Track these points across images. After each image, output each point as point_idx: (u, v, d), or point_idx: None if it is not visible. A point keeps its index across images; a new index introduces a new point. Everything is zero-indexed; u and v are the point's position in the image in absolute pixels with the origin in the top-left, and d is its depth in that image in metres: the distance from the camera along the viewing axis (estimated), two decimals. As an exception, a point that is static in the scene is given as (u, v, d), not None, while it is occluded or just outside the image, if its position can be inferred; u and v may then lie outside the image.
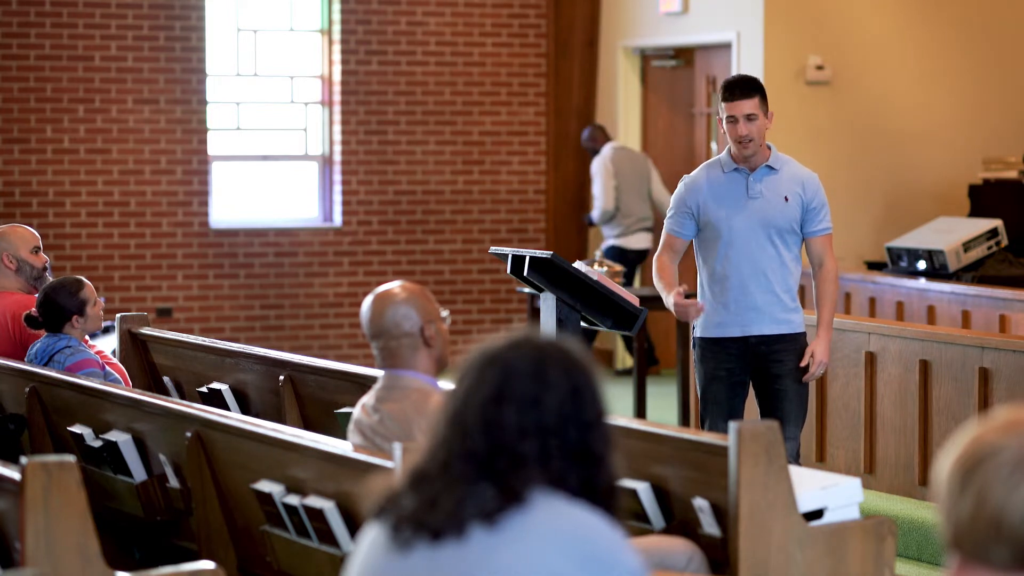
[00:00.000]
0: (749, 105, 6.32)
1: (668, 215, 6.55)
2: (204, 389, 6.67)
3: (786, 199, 6.36)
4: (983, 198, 11.25)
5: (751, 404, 6.56)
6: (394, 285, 4.62)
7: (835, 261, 6.47)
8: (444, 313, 4.63)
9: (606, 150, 12.11)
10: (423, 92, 12.89)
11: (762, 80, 11.39)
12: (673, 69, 12.73)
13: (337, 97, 12.71)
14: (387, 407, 4.55)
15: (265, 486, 4.86)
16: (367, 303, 4.59)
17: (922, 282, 10.09)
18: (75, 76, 12.04)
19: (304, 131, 12.86)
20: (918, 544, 7.00)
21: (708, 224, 6.41)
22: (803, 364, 6.36)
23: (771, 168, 6.40)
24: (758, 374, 6.42)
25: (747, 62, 11.64)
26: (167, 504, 5.55)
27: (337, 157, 12.75)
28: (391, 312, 4.53)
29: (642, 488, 4.61)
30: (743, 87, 6.36)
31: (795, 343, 6.40)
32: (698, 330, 6.49)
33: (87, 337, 6.71)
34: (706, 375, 6.44)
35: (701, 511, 4.49)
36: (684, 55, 12.62)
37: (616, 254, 11.89)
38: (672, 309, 6.35)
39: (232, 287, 12.50)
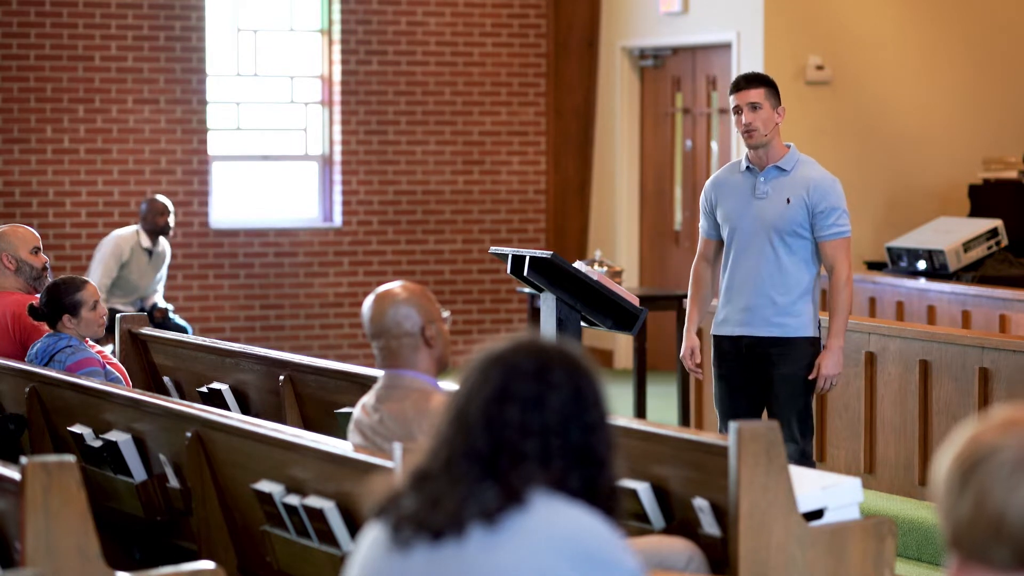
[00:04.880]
0: (754, 94, 6.37)
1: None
2: (204, 389, 6.67)
3: (788, 201, 6.35)
4: (983, 198, 11.25)
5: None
6: (395, 285, 4.62)
7: (847, 267, 6.35)
8: (445, 314, 4.63)
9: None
10: (423, 92, 12.90)
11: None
12: (654, 69, 12.74)
13: (337, 97, 12.72)
14: (387, 407, 4.55)
15: (265, 486, 4.86)
16: (368, 303, 4.59)
17: (922, 282, 10.09)
18: (75, 76, 12.04)
19: (304, 131, 12.86)
20: (918, 544, 7.00)
21: (721, 223, 6.47)
22: (811, 377, 6.33)
23: (781, 169, 6.38)
24: (754, 377, 6.41)
25: (747, 62, 11.64)
26: (167, 504, 5.55)
27: (337, 157, 12.76)
28: (392, 312, 4.53)
29: (642, 488, 4.61)
30: (749, 77, 6.44)
31: (789, 347, 6.33)
32: (711, 327, 6.58)
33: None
34: (713, 374, 6.49)
35: (701, 511, 4.49)
36: (661, 56, 12.64)
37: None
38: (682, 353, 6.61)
39: (232, 287, 12.50)
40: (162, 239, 10.94)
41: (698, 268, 6.63)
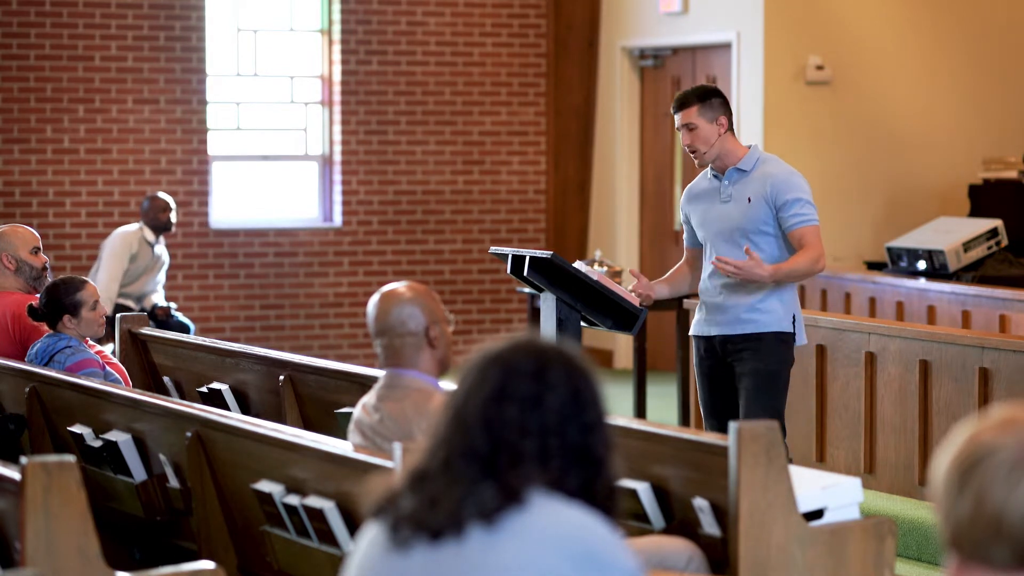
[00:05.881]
0: (686, 115, 6.40)
1: None
2: (204, 389, 6.68)
3: (749, 200, 6.38)
4: (983, 198, 11.25)
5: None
6: (401, 285, 4.63)
7: (819, 248, 6.32)
8: (450, 317, 4.63)
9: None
10: (423, 92, 12.90)
11: (761, 80, 11.48)
12: (654, 69, 12.75)
13: (337, 97, 12.72)
14: (387, 406, 4.55)
15: (265, 486, 4.86)
16: (373, 301, 4.59)
17: (922, 282, 10.08)
18: (75, 76, 12.04)
19: (304, 131, 12.86)
20: (918, 544, 7.00)
21: (697, 230, 6.59)
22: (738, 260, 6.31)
23: (741, 170, 6.42)
24: (731, 375, 6.44)
25: (747, 62, 11.64)
26: (167, 504, 5.55)
27: (337, 157, 12.76)
28: (397, 311, 4.53)
29: (642, 488, 4.61)
30: (681, 97, 6.46)
31: (759, 342, 6.35)
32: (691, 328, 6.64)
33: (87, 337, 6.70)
34: (696, 373, 6.56)
35: (701, 511, 4.49)
36: (661, 56, 12.64)
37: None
38: None
39: (232, 287, 12.50)
40: (161, 242, 10.96)
41: (681, 266, 6.72)
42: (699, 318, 6.55)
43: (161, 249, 10.97)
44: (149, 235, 10.87)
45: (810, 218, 6.35)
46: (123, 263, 10.79)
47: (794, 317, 6.43)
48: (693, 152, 6.43)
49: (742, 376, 6.38)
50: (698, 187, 6.59)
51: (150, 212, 10.88)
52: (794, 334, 6.42)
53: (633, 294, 6.60)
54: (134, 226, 10.95)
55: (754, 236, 6.37)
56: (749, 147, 6.48)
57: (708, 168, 6.54)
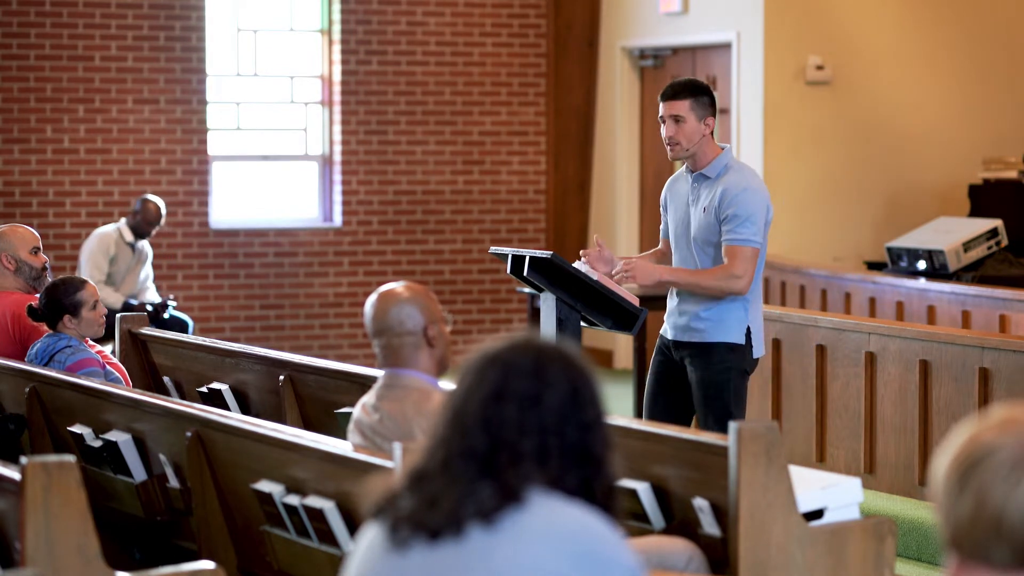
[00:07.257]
0: (677, 107, 6.23)
1: None
2: (204, 389, 6.68)
3: (704, 210, 6.28)
4: (983, 198, 11.25)
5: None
6: (398, 285, 4.63)
7: (735, 267, 6.14)
8: (448, 317, 4.64)
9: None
10: (423, 92, 12.90)
11: (761, 80, 11.48)
12: (654, 69, 12.75)
13: (337, 97, 12.72)
14: (386, 406, 4.55)
15: (265, 486, 4.86)
16: (371, 301, 4.60)
17: (922, 282, 10.08)
18: (75, 76, 12.04)
19: (304, 131, 12.87)
20: (918, 544, 7.00)
21: (669, 227, 6.51)
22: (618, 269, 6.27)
23: (705, 176, 6.30)
24: (676, 381, 6.39)
25: (747, 62, 11.64)
26: (167, 504, 5.55)
27: (337, 157, 12.76)
28: (395, 310, 4.54)
29: (642, 488, 4.61)
30: (674, 87, 6.28)
31: (707, 351, 6.27)
32: None
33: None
34: (650, 367, 6.54)
35: (701, 511, 4.49)
36: (661, 56, 12.65)
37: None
38: None
39: (232, 287, 12.50)
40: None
41: (658, 251, 6.65)
42: (664, 319, 6.51)
43: (143, 243, 10.97)
44: (128, 235, 10.88)
45: (743, 238, 6.15)
46: (102, 266, 10.80)
47: (749, 329, 6.28)
48: (672, 146, 6.25)
49: (692, 385, 6.33)
50: (676, 184, 6.46)
51: (139, 216, 10.92)
52: (746, 346, 6.28)
53: (635, 296, 6.60)
54: (111, 227, 10.96)
55: (706, 247, 6.27)
56: (723, 149, 6.32)
57: (685, 165, 6.44)
